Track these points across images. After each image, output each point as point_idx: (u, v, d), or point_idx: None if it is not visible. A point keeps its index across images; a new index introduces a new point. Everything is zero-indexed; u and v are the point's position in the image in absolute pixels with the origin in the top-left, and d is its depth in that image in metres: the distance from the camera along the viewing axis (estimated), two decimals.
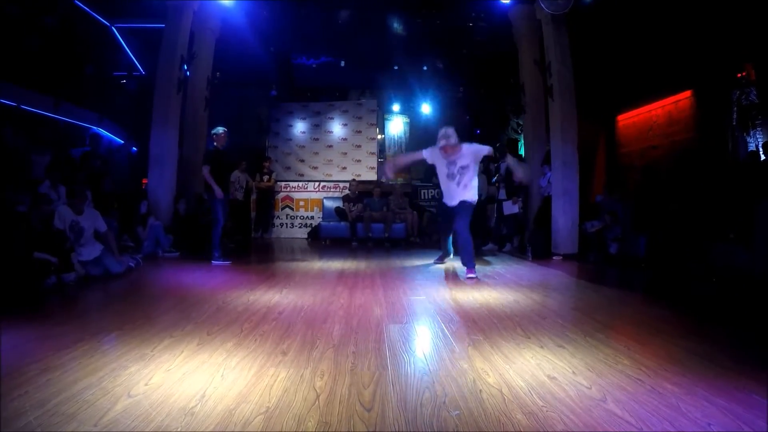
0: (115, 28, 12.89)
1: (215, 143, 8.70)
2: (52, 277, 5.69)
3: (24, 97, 10.39)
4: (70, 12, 11.29)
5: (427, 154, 7.46)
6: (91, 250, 6.66)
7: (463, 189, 7.19)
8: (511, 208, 10.25)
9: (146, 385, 2.74)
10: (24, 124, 10.11)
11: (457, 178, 7.17)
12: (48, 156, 9.08)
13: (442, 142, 7.02)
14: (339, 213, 12.82)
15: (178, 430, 2.23)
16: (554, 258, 9.22)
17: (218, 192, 8.35)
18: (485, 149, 7.25)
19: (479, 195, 12.06)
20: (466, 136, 16.35)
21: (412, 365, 3.16)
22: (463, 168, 7.13)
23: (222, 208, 8.52)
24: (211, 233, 8.47)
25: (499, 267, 8.09)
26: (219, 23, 11.55)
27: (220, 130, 8.67)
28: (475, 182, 7.28)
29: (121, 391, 2.63)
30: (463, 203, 7.17)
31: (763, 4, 8.26)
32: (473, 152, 7.17)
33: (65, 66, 11.52)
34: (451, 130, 7.06)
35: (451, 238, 7.98)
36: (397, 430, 2.27)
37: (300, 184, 14.74)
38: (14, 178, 7.95)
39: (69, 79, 11.70)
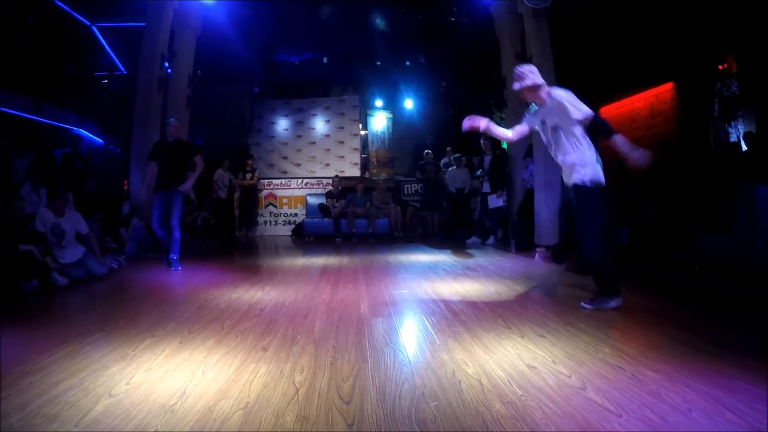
0: (96, 27, 12.79)
1: (167, 134, 7.96)
2: (33, 281, 5.68)
3: (3, 98, 10.29)
4: (51, 11, 11.19)
5: (526, 121, 5.13)
6: (73, 252, 6.63)
7: (565, 159, 4.79)
8: (496, 201, 10.30)
9: (127, 384, 2.76)
10: (3, 126, 10.03)
11: (552, 146, 4.89)
12: (28, 158, 9.02)
13: (515, 85, 4.87)
14: (322, 209, 12.80)
15: (158, 427, 2.25)
16: (537, 250, 9.27)
17: (143, 193, 7.97)
18: (576, 111, 4.60)
19: (461, 188, 12.18)
20: (449, 130, 16.50)
21: (392, 358, 3.19)
22: (554, 129, 4.80)
23: (159, 204, 7.53)
24: (170, 237, 7.57)
25: (482, 259, 8.13)
26: (200, 21, 11.47)
27: (171, 120, 7.95)
28: (580, 149, 4.65)
29: (103, 391, 2.65)
30: (576, 187, 4.67)
31: None
32: (557, 107, 4.70)
33: (45, 66, 11.43)
34: (526, 67, 4.89)
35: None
36: (375, 422, 2.30)
37: (283, 181, 14.71)
38: None
39: (49, 80, 11.61)
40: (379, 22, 13.42)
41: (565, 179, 4.86)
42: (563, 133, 4.70)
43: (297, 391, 2.64)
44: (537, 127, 5.00)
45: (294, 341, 3.56)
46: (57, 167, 9.82)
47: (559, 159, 4.83)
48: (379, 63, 15.78)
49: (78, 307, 5.34)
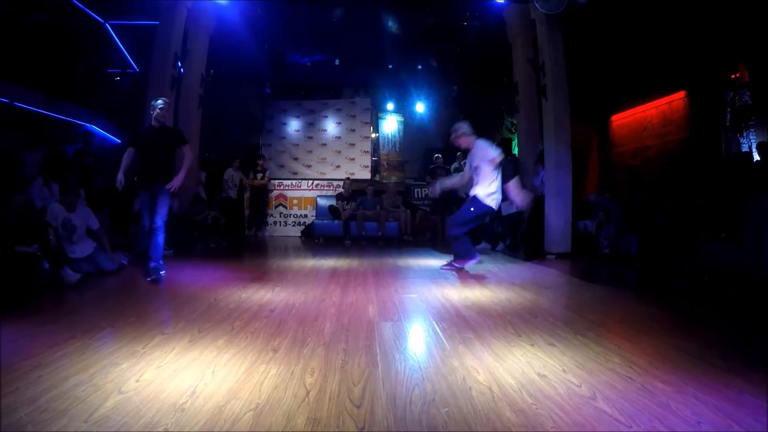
0: (109, 25, 12.84)
1: (152, 118, 6.61)
2: (44, 264, 5.67)
3: (16, 93, 10.34)
4: (64, 9, 11.25)
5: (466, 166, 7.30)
6: (83, 248, 6.64)
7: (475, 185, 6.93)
8: (509, 208, 10.24)
9: (137, 381, 2.75)
10: (16, 121, 10.08)
11: (474, 178, 6.96)
12: (40, 153, 9.04)
13: (452, 136, 7.17)
14: (332, 211, 12.82)
15: (168, 426, 2.24)
16: (547, 257, 9.24)
17: (117, 180, 6.41)
18: (490, 154, 6.72)
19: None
20: None
21: (403, 363, 3.17)
22: (475, 168, 6.89)
23: (147, 204, 6.51)
24: (151, 240, 6.49)
25: (491, 266, 8.08)
26: (213, 21, 11.52)
27: (160, 102, 6.61)
28: (488, 181, 6.80)
29: (112, 388, 2.64)
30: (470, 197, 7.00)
31: (756, 5, 8.30)
32: (480, 155, 6.85)
33: (58, 63, 11.48)
34: (458, 124, 7.13)
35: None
36: (386, 426, 2.29)
37: (293, 182, 14.76)
38: (6, 176, 7.92)
39: (62, 76, 11.66)
40: (391, 25, 13.41)
41: (485, 200, 6.77)
42: (482, 170, 6.78)
43: (308, 393, 2.62)
44: (466, 167, 7.14)
45: (304, 343, 3.55)
46: (68, 162, 9.83)
47: (476, 185, 6.84)
48: (390, 66, 15.77)
49: (87, 302, 5.34)
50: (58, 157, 9.74)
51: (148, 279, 6.20)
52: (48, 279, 5.74)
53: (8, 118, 9.83)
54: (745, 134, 9.55)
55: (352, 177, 14.23)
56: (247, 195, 13.50)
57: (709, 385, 2.81)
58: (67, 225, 6.53)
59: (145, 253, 6.51)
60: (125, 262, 7.28)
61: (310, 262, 8.51)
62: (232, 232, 11.99)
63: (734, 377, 2.94)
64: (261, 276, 6.81)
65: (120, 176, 6.37)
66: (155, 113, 6.53)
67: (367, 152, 15.68)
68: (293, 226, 14.34)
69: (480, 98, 15.90)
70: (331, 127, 15.85)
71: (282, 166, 15.54)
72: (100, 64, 13.31)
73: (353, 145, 15.65)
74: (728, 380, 2.88)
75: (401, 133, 16.71)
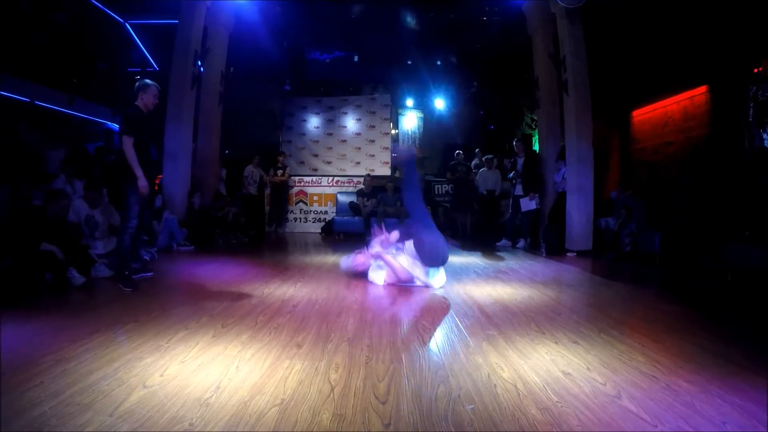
0: (129, 24, 12.98)
1: (140, 102, 5.86)
2: (71, 271, 5.67)
3: (38, 92, 10.47)
4: (85, 9, 11.38)
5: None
6: (106, 244, 6.68)
7: None
8: (528, 204, 10.18)
9: (161, 376, 2.75)
10: (38, 119, 10.20)
11: None
12: (62, 151, 9.14)
13: None
14: (353, 208, 12.82)
15: (193, 420, 2.24)
16: (568, 254, 9.16)
17: (141, 180, 5.59)
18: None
19: (492, 190, 12.07)
20: (479, 131, 16.44)
21: (427, 359, 3.16)
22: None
23: (139, 201, 5.70)
24: (120, 240, 5.81)
25: (513, 263, 8.04)
26: (232, 19, 11.59)
27: (149, 83, 5.96)
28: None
29: (137, 382, 2.65)
30: None
31: None
32: None
33: (79, 62, 11.62)
34: None
35: None
36: (412, 422, 2.27)
37: (314, 178, 14.77)
38: (29, 173, 8.00)
39: (83, 76, 11.79)
40: (410, 21, 13.39)
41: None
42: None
43: (332, 389, 2.62)
44: None
45: (328, 339, 3.54)
46: (91, 159, 9.94)
47: None
48: (410, 62, 15.75)
49: (111, 297, 5.35)
50: (81, 155, 9.84)
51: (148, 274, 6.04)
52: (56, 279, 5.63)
53: (30, 117, 9.94)
54: (767, 129, 9.40)
55: (372, 173, 14.18)
56: (267, 191, 13.52)
57: (734, 385, 2.79)
58: (90, 222, 6.57)
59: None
60: (147, 258, 7.30)
61: (332, 259, 8.49)
62: (252, 229, 12.03)
63: (758, 378, 2.91)
64: (282, 272, 6.81)
65: (143, 179, 5.61)
66: (148, 98, 5.88)
67: (386, 149, 15.64)
68: (313, 222, 14.36)
69: (500, 94, 15.84)
70: (350, 123, 15.84)
71: (302, 163, 15.57)
72: (121, 63, 13.46)
73: (373, 141, 15.63)
74: (752, 381, 2.86)
75: (421, 130, 16.69)
